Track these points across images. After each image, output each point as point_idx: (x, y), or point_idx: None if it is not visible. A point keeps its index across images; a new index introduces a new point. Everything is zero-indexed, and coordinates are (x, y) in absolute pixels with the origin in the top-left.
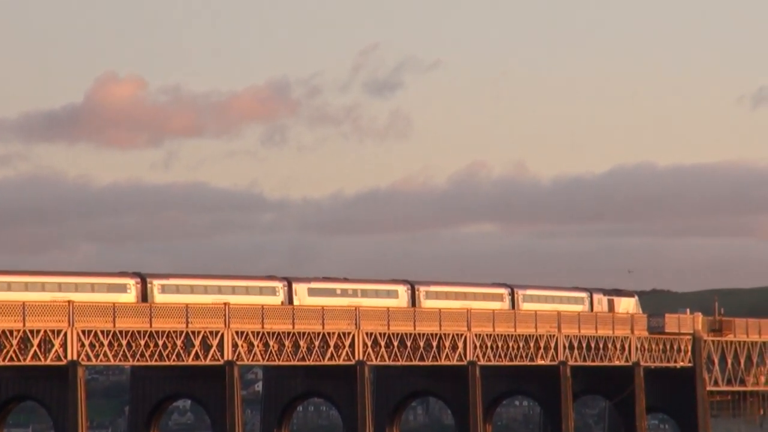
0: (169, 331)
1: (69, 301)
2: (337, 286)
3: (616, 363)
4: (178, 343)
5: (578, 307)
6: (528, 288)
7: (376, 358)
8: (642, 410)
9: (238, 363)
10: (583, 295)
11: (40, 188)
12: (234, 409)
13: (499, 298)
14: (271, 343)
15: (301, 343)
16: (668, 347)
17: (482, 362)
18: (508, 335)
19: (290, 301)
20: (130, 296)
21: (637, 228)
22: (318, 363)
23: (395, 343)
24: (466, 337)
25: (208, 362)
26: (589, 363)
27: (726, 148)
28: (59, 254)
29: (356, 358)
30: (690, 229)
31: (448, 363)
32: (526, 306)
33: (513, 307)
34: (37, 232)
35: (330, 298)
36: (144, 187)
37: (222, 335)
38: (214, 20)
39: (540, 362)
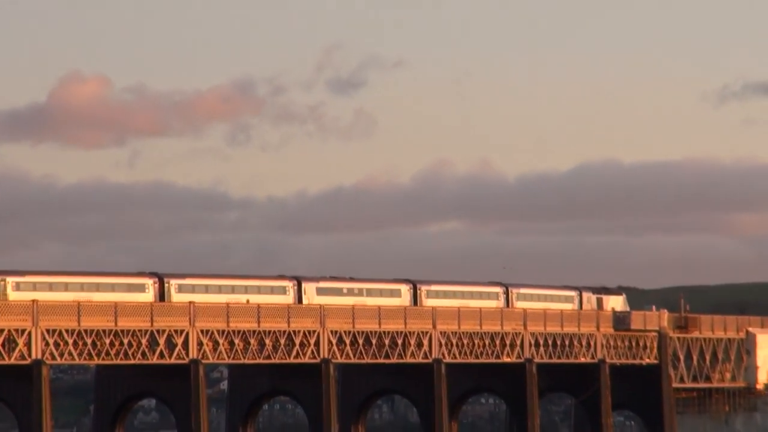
0: (134, 330)
1: (33, 300)
2: (344, 285)
3: (582, 360)
4: (143, 341)
5: (568, 306)
6: (521, 287)
7: (342, 356)
8: (608, 407)
9: (204, 362)
10: (573, 293)
11: (4, 188)
12: (199, 407)
13: (494, 296)
14: (236, 341)
15: (267, 341)
16: (634, 344)
17: (448, 360)
18: (474, 333)
19: (299, 300)
20: (148, 296)
21: (603, 225)
22: (283, 361)
23: (360, 341)
24: (431, 335)
25: (173, 361)
26: (554, 360)
27: (691, 145)
28: (24, 254)
29: (321, 356)
30: (655, 226)
31: (413, 361)
32: (519, 304)
33: (507, 305)
34: (1, 232)
35: (337, 297)
36: (108, 186)
37: (187, 334)
38: (178, 20)
39: (506, 360)
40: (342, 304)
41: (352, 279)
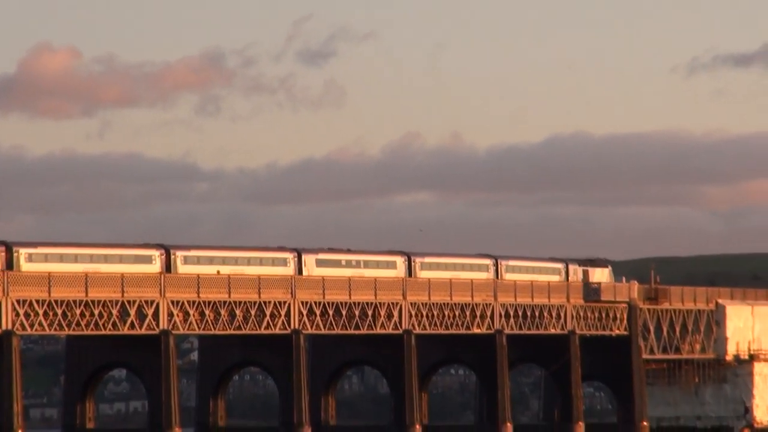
0: (105, 301)
1: (2, 271)
2: (342, 257)
3: (552, 331)
4: (114, 312)
5: (555, 278)
6: (510, 259)
7: (312, 327)
8: (577, 378)
9: (174, 332)
10: (560, 266)
11: None
12: (169, 378)
13: (484, 268)
14: (207, 312)
15: (237, 312)
16: (604, 315)
17: (418, 331)
18: (444, 304)
19: (300, 271)
20: (155, 267)
21: (573, 197)
22: (254, 332)
23: (331, 312)
24: (401, 306)
25: (143, 332)
26: (525, 331)
27: (661, 117)
28: None
29: (292, 327)
30: (625, 198)
31: (383, 332)
32: (508, 276)
33: (497, 277)
34: None
35: (336, 269)
36: (78, 157)
37: (158, 304)
38: None
39: (476, 331)
40: (340, 276)
41: (349, 251)
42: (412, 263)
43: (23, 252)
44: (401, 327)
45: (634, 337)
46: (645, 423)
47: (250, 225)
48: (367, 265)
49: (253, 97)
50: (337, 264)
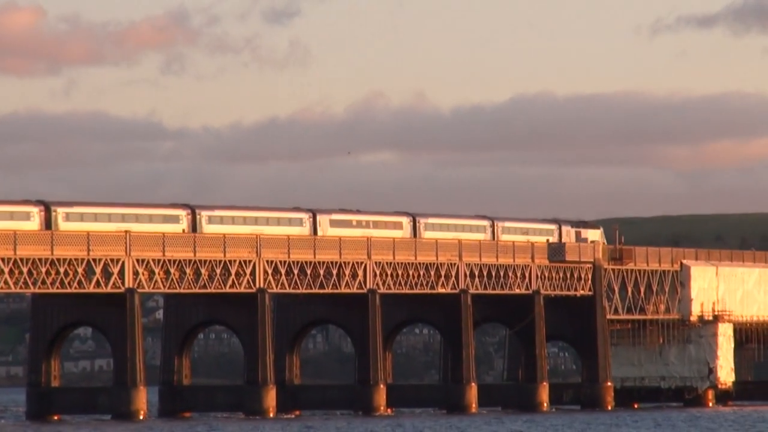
0: (70, 259)
1: None
2: (353, 217)
3: (517, 291)
4: (80, 270)
5: (549, 238)
6: (506, 220)
7: (277, 286)
8: (542, 338)
9: (140, 291)
10: (553, 227)
11: None
12: (135, 336)
13: (482, 229)
14: (172, 270)
15: (203, 270)
16: (569, 276)
17: (382, 290)
18: (409, 263)
19: (315, 231)
20: (33, 224)
21: (537, 157)
22: (219, 291)
23: (296, 271)
24: (366, 265)
25: (109, 290)
26: (489, 291)
27: (624, 78)
28: None
29: (257, 286)
30: (589, 158)
31: (348, 291)
32: (504, 237)
33: (493, 238)
34: None
35: (348, 229)
36: (44, 115)
37: (123, 263)
38: None
39: (441, 290)
40: (354, 236)
41: (359, 211)
42: (417, 224)
43: None
44: (366, 286)
45: (598, 298)
46: (609, 383)
47: (214, 184)
48: (376, 225)
49: (217, 57)
50: (349, 224)
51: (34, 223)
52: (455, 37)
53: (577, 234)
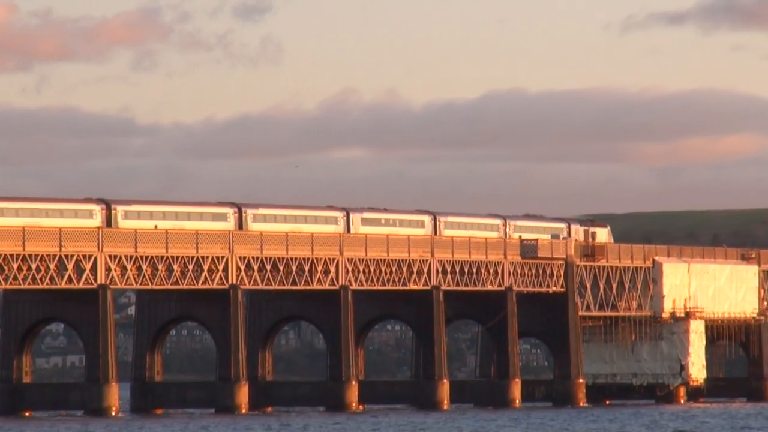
0: (42, 255)
1: None
2: (382, 216)
3: (489, 288)
4: (52, 266)
5: (557, 237)
6: (517, 219)
7: (249, 282)
8: (514, 335)
9: (112, 287)
10: (563, 225)
11: None
12: (107, 332)
13: (495, 228)
14: (144, 267)
15: (175, 267)
16: (541, 272)
17: (354, 286)
18: (381, 260)
19: (348, 229)
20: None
21: (509, 153)
22: (191, 287)
23: (268, 268)
24: (338, 262)
25: (81, 286)
26: (462, 288)
27: (596, 74)
28: None
29: (230, 282)
30: (561, 155)
31: (320, 287)
32: (515, 235)
33: (506, 236)
34: None
35: (377, 227)
36: (15, 111)
37: (95, 259)
38: None
39: (413, 287)
40: (380, 234)
41: (385, 210)
42: (437, 222)
43: None
44: (338, 283)
45: (570, 294)
46: (581, 380)
47: (186, 180)
48: (402, 224)
49: (189, 53)
50: (377, 223)
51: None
52: (427, 34)
53: (586, 232)
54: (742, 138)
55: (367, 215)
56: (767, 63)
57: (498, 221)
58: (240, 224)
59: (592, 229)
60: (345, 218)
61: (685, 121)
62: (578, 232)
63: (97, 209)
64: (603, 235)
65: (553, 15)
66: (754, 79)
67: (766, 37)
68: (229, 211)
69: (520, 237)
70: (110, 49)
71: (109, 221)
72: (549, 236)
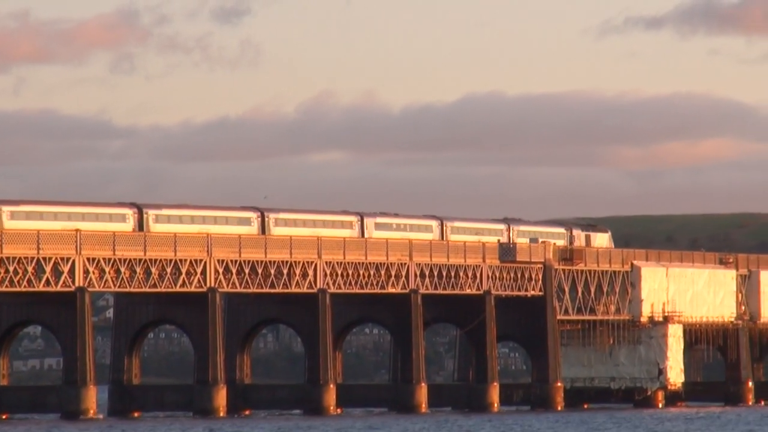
0: (20, 257)
1: None
2: (394, 221)
3: (468, 291)
4: (29, 269)
5: (560, 242)
6: (521, 224)
7: (228, 286)
8: (492, 339)
9: (90, 290)
10: (563, 230)
11: None
12: (84, 335)
13: (498, 233)
14: (122, 269)
15: (153, 270)
16: (519, 276)
17: (332, 290)
18: (359, 263)
19: (362, 234)
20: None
21: (488, 157)
22: (169, 290)
23: (246, 271)
24: (316, 265)
25: (59, 289)
26: (440, 291)
27: (574, 78)
28: None
29: (208, 285)
30: (539, 159)
31: (298, 291)
32: (519, 240)
33: (509, 240)
34: None
35: (390, 231)
36: None
37: (73, 262)
38: None
39: (391, 290)
40: (397, 238)
41: (396, 215)
42: (444, 228)
43: None
44: (316, 286)
45: (549, 298)
46: (559, 383)
47: (164, 182)
48: (412, 228)
49: (168, 56)
50: (390, 227)
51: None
52: (406, 36)
53: (587, 237)
54: (720, 142)
55: (380, 220)
56: (745, 67)
57: (502, 226)
58: (263, 228)
59: (593, 234)
60: (359, 223)
61: (664, 125)
62: (579, 236)
63: (130, 213)
64: (604, 240)
65: (532, 19)
66: (731, 83)
67: (743, 41)
68: (253, 215)
69: (498, 240)
70: (88, 52)
71: (141, 225)
72: (553, 240)
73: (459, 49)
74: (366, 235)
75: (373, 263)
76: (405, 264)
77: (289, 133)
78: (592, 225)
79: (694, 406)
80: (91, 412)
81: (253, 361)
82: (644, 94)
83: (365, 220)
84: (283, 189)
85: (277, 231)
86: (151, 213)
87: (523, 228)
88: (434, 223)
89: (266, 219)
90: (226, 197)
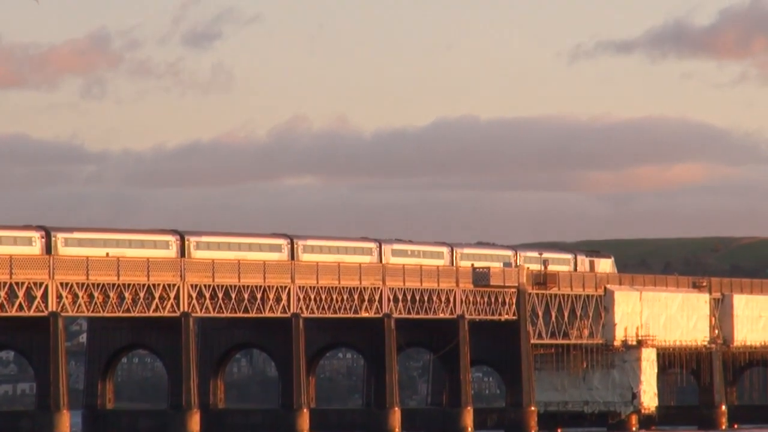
0: None
1: None
2: (408, 247)
3: (441, 316)
4: (2, 294)
5: (565, 268)
6: (527, 250)
7: (201, 310)
8: (466, 363)
9: (63, 314)
10: (569, 256)
11: None
12: (58, 360)
13: (507, 259)
14: (96, 294)
15: (126, 294)
16: (493, 300)
17: (306, 314)
18: (332, 287)
19: (380, 259)
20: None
21: (460, 181)
22: (143, 315)
23: (220, 295)
24: (290, 289)
25: (32, 313)
26: (413, 316)
27: (547, 102)
28: None
29: (181, 309)
30: (512, 183)
31: (272, 315)
32: (530, 266)
33: (514, 267)
34: None
35: (406, 258)
36: None
37: (47, 286)
38: None
39: (364, 314)
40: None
41: (410, 242)
42: (454, 254)
43: None
44: (290, 310)
45: (522, 322)
46: (533, 408)
47: (136, 207)
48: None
49: (139, 81)
50: (404, 254)
51: None
52: (377, 61)
53: (591, 263)
54: (692, 166)
55: (396, 246)
56: (716, 91)
57: (510, 252)
58: (292, 255)
59: (596, 260)
60: (378, 249)
61: (635, 149)
62: (584, 262)
63: (172, 240)
64: (607, 265)
65: (504, 44)
66: (703, 107)
67: (714, 65)
68: (283, 242)
69: (472, 265)
70: (59, 77)
71: (183, 252)
72: (559, 267)
73: (431, 74)
74: (384, 261)
75: (347, 287)
76: (378, 288)
77: (262, 157)
78: (595, 251)
79: (667, 430)
80: None
81: (227, 386)
82: (616, 119)
83: (383, 246)
84: (256, 214)
85: (306, 257)
86: (300, 243)
87: (529, 254)
88: (445, 250)
89: (295, 246)
90: (198, 223)
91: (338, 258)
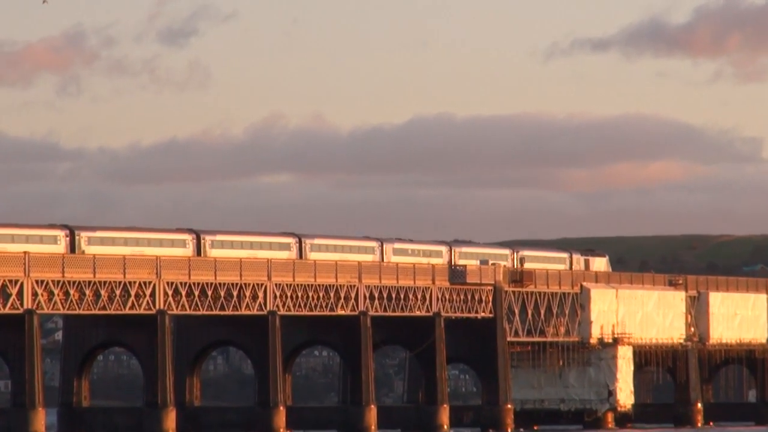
0: None
1: None
2: (409, 246)
3: (417, 313)
4: None
5: (560, 266)
6: (525, 249)
7: (177, 308)
8: (442, 361)
9: (38, 312)
10: (565, 255)
11: None
12: (33, 358)
13: (504, 258)
14: (71, 292)
15: (102, 292)
16: (469, 298)
17: (282, 312)
18: (308, 285)
19: (382, 258)
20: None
21: (436, 179)
22: (119, 312)
23: (196, 293)
24: (266, 287)
25: (7, 311)
26: (389, 313)
27: (523, 100)
28: None
29: (157, 307)
30: (489, 181)
31: (248, 312)
32: (529, 265)
33: (514, 267)
34: None
35: (406, 257)
36: None
37: (22, 284)
38: None
39: (340, 312)
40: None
41: (411, 241)
42: (453, 253)
43: None
44: (266, 308)
45: (498, 320)
46: (509, 405)
47: (111, 205)
48: (424, 254)
49: (115, 78)
50: (405, 252)
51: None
52: (354, 59)
53: (586, 261)
54: (668, 164)
55: (398, 245)
56: (691, 89)
57: (507, 251)
58: (300, 254)
59: (591, 258)
60: (380, 248)
61: (611, 146)
62: (579, 261)
63: (189, 238)
64: (602, 264)
65: (480, 41)
66: (678, 105)
67: (689, 63)
68: (291, 241)
69: (449, 262)
70: (35, 74)
71: (199, 251)
72: (555, 266)
73: (407, 72)
74: (385, 260)
75: (323, 285)
76: (354, 286)
77: (238, 155)
78: (590, 250)
79: (643, 428)
80: None
81: (203, 384)
82: (592, 116)
83: (384, 245)
84: (231, 211)
85: (313, 256)
86: (307, 242)
87: (527, 253)
88: (444, 249)
89: (303, 245)
90: (173, 220)
91: (343, 257)
